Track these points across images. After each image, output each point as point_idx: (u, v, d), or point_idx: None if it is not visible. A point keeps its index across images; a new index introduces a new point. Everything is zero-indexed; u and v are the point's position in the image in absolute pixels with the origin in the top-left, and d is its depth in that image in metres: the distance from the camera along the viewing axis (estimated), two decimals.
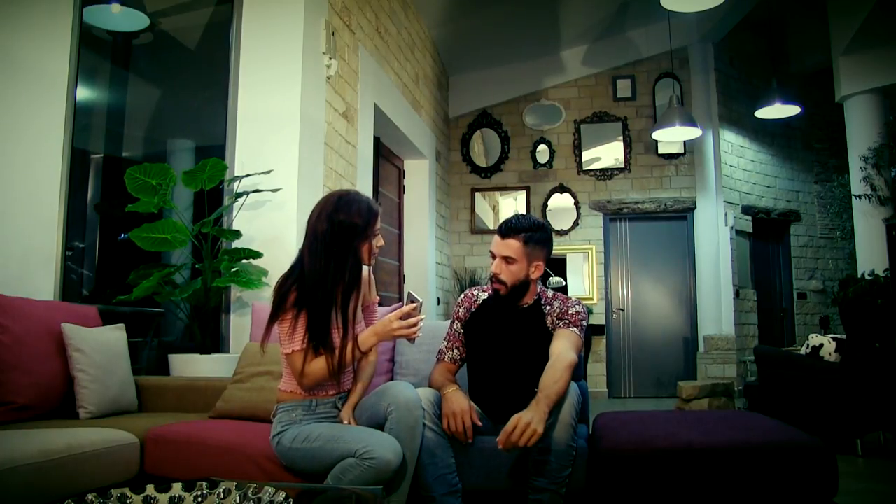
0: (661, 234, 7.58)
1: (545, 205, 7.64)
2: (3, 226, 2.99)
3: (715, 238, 7.30)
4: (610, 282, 7.54)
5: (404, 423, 1.92)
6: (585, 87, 7.77)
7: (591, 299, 7.39)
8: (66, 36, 3.25)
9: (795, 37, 8.20)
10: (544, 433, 1.87)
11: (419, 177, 6.52)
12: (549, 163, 7.71)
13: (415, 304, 1.96)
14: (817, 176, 8.45)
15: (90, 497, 1.23)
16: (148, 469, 2.16)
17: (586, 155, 7.70)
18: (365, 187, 4.65)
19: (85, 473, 1.89)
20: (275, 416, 2.05)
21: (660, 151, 7.54)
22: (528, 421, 1.79)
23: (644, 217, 7.57)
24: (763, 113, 6.77)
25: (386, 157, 5.88)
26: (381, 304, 2.34)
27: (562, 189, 7.65)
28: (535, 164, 7.74)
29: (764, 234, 8.08)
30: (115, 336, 2.76)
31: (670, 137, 6.95)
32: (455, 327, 2.31)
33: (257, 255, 3.27)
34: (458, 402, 2.03)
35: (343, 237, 1.99)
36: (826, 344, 4.09)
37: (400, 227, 6.29)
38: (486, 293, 2.32)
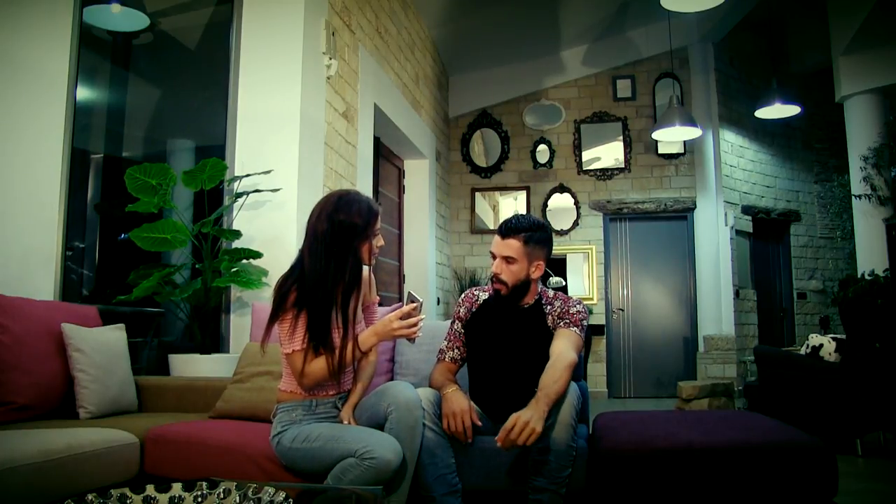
0: (661, 234, 7.58)
1: (545, 205, 7.64)
2: (3, 226, 2.99)
3: (715, 238, 7.30)
4: (610, 282, 7.54)
5: (404, 423, 1.92)
6: (585, 87, 7.77)
7: (591, 299, 7.39)
8: (66, 36, 3.25)
9: (795, 37, 8.20)
10: (544, 433, 1.87)
11: (419, 177, 6.52)
12: (549, 163, 7.71)
13: (415, 304, 1.96)
14: (817, 176, 8.45)
15: (90, 497, 1.23)
16: (148, 469, 2.16)
17: (586, 155, 7.70)
18: (365, 187, 4.65)
19: (85, 473, 1.89)
20: (275, 416, 2.05)
21: (660, 151, 7.54)
22: (526, 420, 1.79)
23: (644, 217, 7.57)
24: (763, 113, 6.77)
25: (386, 157, 5.88)
26: (381, 304, 2.34)
27: (562, 189, 7.65)
28: (535, 164, 7.74)
29: (764, 234, 8.08)
30: (115, 336, 2.76)
31: (670, 137, 6.95)
32: (456, 327, 2.31)
33: (257, 255, 3.28)
34: (458, 401, 2.03)
35: (343, 237, 1.99)
36: (826, 344, 4.09)
37: (400, 227, 6.29)
38: (487, 293, 2.32)
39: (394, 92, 5.35)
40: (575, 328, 2.14)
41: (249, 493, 1.29)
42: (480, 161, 7.88)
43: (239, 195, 3.36)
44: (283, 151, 3.56)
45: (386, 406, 1.95)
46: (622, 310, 7.55)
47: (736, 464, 1.86)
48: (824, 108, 7.75)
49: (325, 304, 1.98)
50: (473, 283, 7.44)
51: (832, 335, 4.22)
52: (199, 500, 1.30)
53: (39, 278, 3.07)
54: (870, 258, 6.20)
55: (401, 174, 6.36)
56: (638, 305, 7.56)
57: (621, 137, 7.63)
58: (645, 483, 1.91)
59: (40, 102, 3.17)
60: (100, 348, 2.59)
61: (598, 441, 2.05)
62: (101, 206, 4.24)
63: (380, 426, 1.95)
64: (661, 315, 7.53)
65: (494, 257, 2.19)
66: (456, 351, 2.29)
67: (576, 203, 7.61)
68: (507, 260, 2.16)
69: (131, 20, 4.28)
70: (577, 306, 2.20)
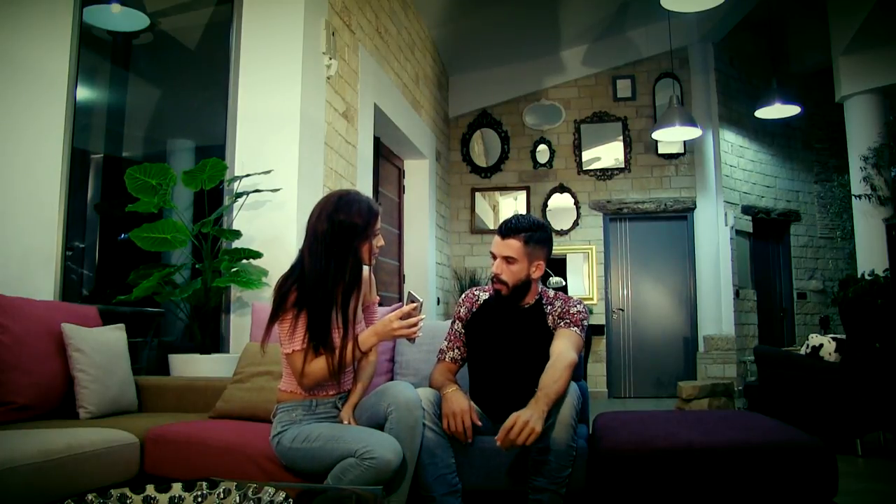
0: (661, 234, 7.58)
1: (545, 205, 7.64)
2: (3, 226, 2.99)
3: (715, 238, 7.30)
4: (610, 282, 7.54)
5: (404, 423, 1.92)
6: (585, 87, 7.77)
7: (591, 299, 7.39)
8: (66, 36, 3.25)
9: (795, 37, 8.20)
10: (544, 433, 1.87)
11: (419, 177, 6.52)
12: (549, 163, 7.71)
13: (415, 304, 1.96)
14: (817, 176, 8.45)
15: (90, 497, 1.23)
16: (148, 469, 2.16)
17: (586, 155, 7.70)
18: (365, 187, 4.65)
19: (85, 473, 1.89)
20: (275, 416, 2.05)
21: (660, 151, 7.54)
22: (526, 419, 1.79)
23: (644, 217, 7.57)
24: (763, 113, 6.77)
25: (386, 157, 5.88)
26: (381, 304, 2.34)
27: (562, 189, 7.65)
28: (535, 164, 7.74)
29: (764, 234, 8.08)
30: (115, 336, 2.76)
31: (670, 137, 6.95)
32: (456, 327, 2.31)
33: (257, 255, 3.28)
34: (458, 401, 2.03)
35: (343, 237, 1.99)
36: (826, 344, 4.09)
37: (400, 227, 6.29)
38: (488, 293, 2.32)
39: (394, 92, 5.35)
40: (575, 328, 2.14)
41: (249, 493, 1.29)
42: (480, 161, 7.88)
43: (239, 195, 3.36)
44: (283, 151, 3.56)
45: (386, 406, 1.95)
46: (622, 310, 7.55)
47: (736, 464, 1.86)
48: (824, 108, 7.75)
49: (325, 304, 1.98)
50: (473, 283, 7.44)
51: (832, 335, 4.22)
52: (199, 500, 1.30)
53: (39, 278, 3.07)
54: (870, 258, 6.20)
55: (401, 174, 6.36)
56: (638, 305, 7.56)
57: (621, 137, 7.63)
58: (645, 483, 1.91)
59: (40, 102, 3.16)
60: (100, 348, 2.59)
61: (598, 441, 2.05)
62: (101, 206, 4.24)
63: (380, 426, 1.94)
64: (661, 315, 7.53)
65: (495, 257, 2.19)
66: (456, 351, 2.29)
67: (576, 203, 7.61)
68: (508, 260, 2.16)
69: (131, 20, 4.28)
70: (578, 306, 2.20)
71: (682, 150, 7.50)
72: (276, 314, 1.99)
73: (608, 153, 7.69)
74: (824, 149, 8.41)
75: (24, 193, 3.08)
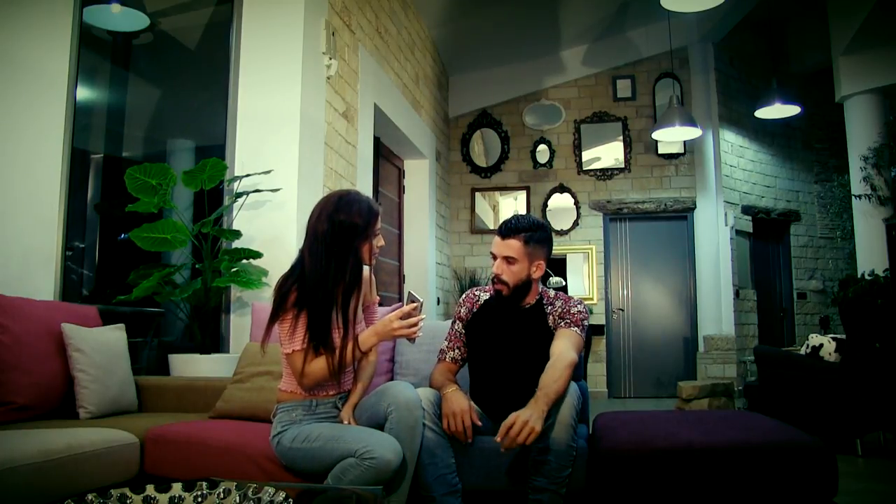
0: (661, 234, 7.58)
1: (545, 205, 7.64)
2: (3, 226, 2.99)
3: (715, 238, 7.30)
4: (610, 282, 7.54)
5: (404, 423, 1.92)
6: (585, 87, 7.77)
7: (591, 299, 7.39)
8: (66, 36, 3.25)
9: (795, 37, 8.20)
10: (544, 433, 1.87)
11: (419, 177, 6.52)
12: (549, 163, 7.71)
13: (415, 304, 1.96)
14: (817, 176, 8.45)
15: (90, 497, 1.23)
16: (148, 469, 2.16)
17: (586, 155, 7.70)
18: (365, 187, 4.65)
19: (85, 473, 1.89)
20: (275, 416, 2.05)
21: (660, 151, 7.54)
22: (526, 419, 1.79)
23: (644, 217, 7.57)
24: (763, 113, 6.77)
25: (386, 157, 5.88)
26: (381, 304, 2.34)
27: (562, 189, 7.65)
28: (535, 164, 7.74)
29: (764, 234, 8.08)
30: (115, 336, 2.76)
31: (670, 137, 6.95)
32: (457, 327, 2.32)
33: (257, 255, 3.28)
34: (458, 401, 2.03)
35: (343, 237, 1.99)
36: (826, 344, 4.09)
37: (400, 227, 6.29)
38: (488, 293, 2.32)
39: (394, 92, 5.35)
40: (576, 328, 2.15)
41: (249, 493, 1.29)
42: (480, 161, 7.88)
43: (239, 195, 3.36)
44: (283, 151, 3.56)
45: (386, 406, 1.95)
46: (622, 310, 7.55)
47: (736, 464, 1.86)
48: (824, 108, 7.75)
49: (325, 304, 1.98)
50: (473, 283, 7.44)
51: (832, 335, 4.22)
52: (199, 500, 1.30)
53: (39, 278, 3.07)
54: (870, 258, 6.20)
55: (401, 174, 6.36)
56: (638, 305, 7.56)
57: (621, 137, 7.63)
58: (645, 483, 1.91)
59: (40, 102, 3.16)
60: (100, 348, 2.59)
61: (598, 441, 2.05)
62: (101, 206, 4.24)
63: (380, 426, 1.94)
64: (661, 315, 7.53)
65: (495, 258, 2.19)
66: (456, 351, 2.29)
67: (576, 203, 7.61)
68: (508, 260, 2.16)
69: (131, 20, 4.28)
70: (578, 306, 2.20)
71: (682, 150, 7.50)
72: (276, 314, 1.99)
73: (608, 153, 7.69)
74: (824, 149, 8.41)
75: (24, 193, 3.08)
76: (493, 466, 2.07)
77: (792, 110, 6.62)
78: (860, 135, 6.51)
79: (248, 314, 3.33)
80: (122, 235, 3.73)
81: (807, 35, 7.92)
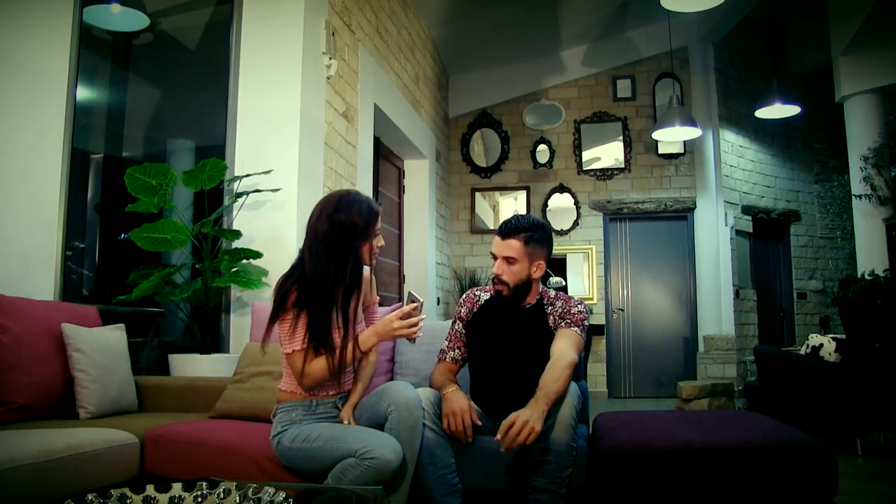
0: (661, 234, 7.58)
1: (545, 205, 7.64)
2: (3, 226, 2.99)
3: (715, 238, 7.30)
4: (610, 282, 7.54)
5: (404, 423, 1.92)
6: (585, 87, 7.77)
7: (591, 299, 7.39)
8: (66, 36, 3.25)
9: (795, 37, 8.20)
10: (544, 433, 1.87)
11: (419, 177, 6.52)
12: (549, 163, 7.71)
13: (415, 304, 1.96)
14: (817, 176, 8.45)
15: (90, 497, 1.23)
16: (148, 469, 2.16)
17: (586, 155, 7.70)
18: (365, 187, 4.65)
19: (85, 473, 1.89)
20: (275, 416, 2.05)
21: (660, 151, 7.54)
22: (526, 419, 1.80)
23: (644, 217, 7.57)
24: (763, 113, 6.78)
25: (386, 157, 5.88)
26: (381, 304, 2.34)
27: (562, 189, 7.65)
28: (535, 164, 7.74)
29: (764, 234, 8.08)
30: (115, 336, 2.76)
31: (670, 137, 6.95)
32: (457, 327, 2.32)
33: (257, 255, 3.28)
34: (458, 401, 2.03)
35: (344, 237, 1.99)
36: (826, 344, 4.09)
37: (400, 227, 6.29)
38: (489, 293, 2.32)
39: (394, 92, 5.35)
40: (576, 328, 2.15)
41: (249, 493, 1.29)
42: (480, 161, 7.88)
43: (239, 195, 3.36)
44: (283, 151, 3.56)
45: (386, 406, 1.95)
46: (622, 310, 7.55)
47: (736, 464, 1.86)
48: (824, 108, 7.75)
49: (325, 305, 1.98)
50: (473, 283, 7.44)
51: (832, 335, 4.22)
52: (199, 500, 1.30)
53: (39, 278, 3.07)
54: (870, 258, 6.20)
55: (401, 174, 6.36)
56: (638, 305, 7.56)
57: (621, 137, 7.63)
58: (645, 483, 1.91)
59: (40, 102, 3.16)
60: (100, 348, 2.59)
61: (598, 441, 2.05)
62: (101, 206, 4.24)
63: (380, 426, 1.94)
64: (661, 315, 7.53)
65: (495, 258, 2.19)
66: (457, 351, 2.29)
67: (576, 203, 7.61)
68: (508, 260, 2.16)
69: (131, 20, 4.28)
70: (579, 306, 2.20)
71: (682, 150, 7.50)
72: (276, 314, 1.99)
73: (608, 153, 7.69)
74: (824, 149, 8.41)
75: (24, 193, 3.08)
76: (493, 466, 2.07)
77: (792, 110, 6.62)
78: (860, 135, 6.51)
79: (248, 314, 3.33)
80: (122, 235, 3.73)
81: (807, 35, 7.92)
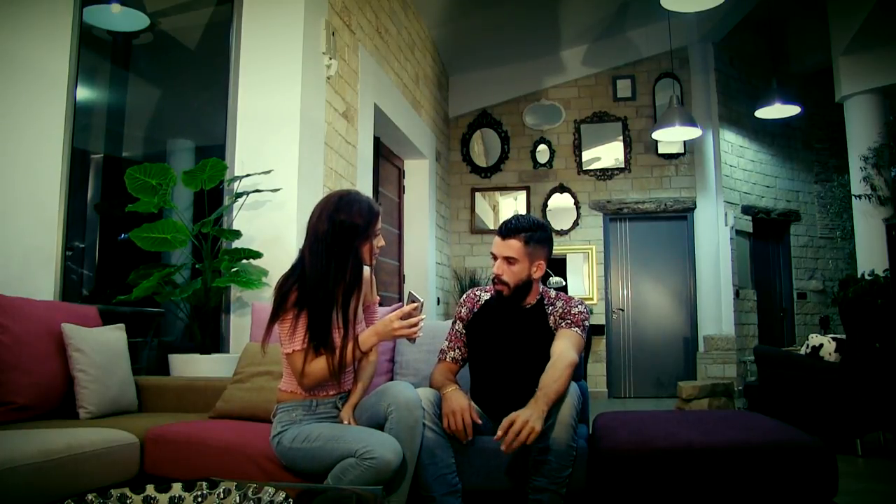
0: (661, 234, 7.58)
1: (545, 205, 7.64)
2: (3, 226, 2.99)
3: (715, 238, 7.30)
4: (610, 282, 7.54)
5: (404, 423, 1.92)
6: (585, 87, 7.77)
7: (591, 299, 7.39)
8: (66, 36, 3.25)
9: (795, 37, 8.20)
10: (544, 433, 1.87)
11: (419, 177, 6.52)
12: (549, 163, 7.71)
13: (415, 304, 1.96)
14: (817, 176, 8.45)
15: (90, 497, 1.23)
16: (148, 469, 2.16)
17: (586, 155, 7.70)
18: (365, 187, 4.65)
19: (85, 473, 1.89)
20: (275, 416, 2.05)
21: (660, 151, 7.54)
22: (526, 419, 1.80)
23: (644, 217, 7.57)
24: (763, 113, 6.78)
25: (386, 157, 5.88)
26: (381, 304, 2.34)
27: (562, 189, 7.65)
28: (535, 164, 7.74)
29: (764, 234, 8.08)
30: (115, 336, 2.76)
31: (670, 137, 6.95)
32: (457, 327, 2.31)
33: (257, 255, 3.28)
34: (458, 400, 2.03)
35: (344, 237, 1.99)
36: (826, 344, 4.09)
37: (400, 227, 6.29)
38: (489, 293, 2.32)
39: (394, 92, 5.35)
40: (576, 328, 2.15)
41: (249, 493, 1.29)
42: (480, 161, 7.88)
43: (239, 195, 3.36)
44: (283, 151, 3.56)
45: (386, 406, 1.95)
46: (622, 310, 7.55)
47: (736, 464, 1.86)
48: (824, 108, 7.75)
49: (325, 305, 1.98)
50: (473, 283, 7.44)
51: (832, 335, 4.22)
52: (199, 500, 1.30)
53: (39, 278, 3.07)
54: (870, 258, 6.20)
55: (401, 174, 6.36)
56: (638, 305, 7.56)
57: (621, 137, 7.63)
58: (645, 483, 1.91)
59: (40, 102, 3.17)
60: (100, 348, 2.59)
61: (598, 441, 2.05)
62: (101, 206, 4.24)
63: (380, 426, 1.94)
64: (661, 315, 7.53)
65: (495, 258, 2.19)
66: (457, 351, 2.29)
67: (576, 203, 7.61)
68: (509, 260, 2.16)
69: (131, 20, 4.28)
70: (579, 307, 2.20)
71: (682, 150, 7.50)
72: (276, 314, 1.99)
73: (608, 153, 7.69)
74: (824, 149, 8.41)
75: (24, 193, 3.08)
76: (493, 466, 2.07)
77: (792, 110, 6.62)
78: (860, 135, 6.51)
79: (248, 314, 3.33)
80: (122, 235, 3.73)
81: (807, 35, 7.92)
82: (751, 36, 8.04)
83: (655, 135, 6.54)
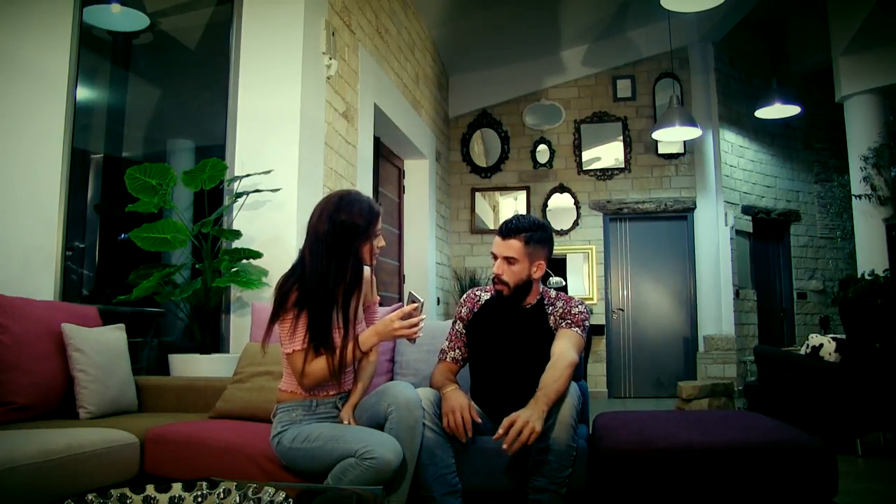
0: (661, 234, 7.58)
1: (545, 205, 7.64)
2: (3, 226, 2.99)
3: (715, 238, 7.30)
4: (610, 282, 7.54)
5: (404, 423, 1.92)
6: (585, 87, 7.77)
7: (591, 299, 7.39)
8: (66, 36, 3.25)
9: (795, 37, 8.20)
10: (544, 433, 1.87)
11: (419, 177, 6.52)
12: (549, 163, 7.71)
13: (416, 304, 1.96)
14: (817, 176, 8.45)
15: (90, 497, 1.23)
16: (148, 469, 2.16)
17: (586, 155, 7.70)
18: (365, 187, 4.65)
19: (85, 473, 1.89)
20: (275, 416, 2.05)
21: (660, 151, 7.54)
22: (526, 419, 1.80)
23: (644, 217, 7.57)
24: (763, 113, 6.78)
25: (386, 157, 5.88)
26: (381, 304, 2.34)
27: (562, 189, 7.65)
28: (535, 164, 7.74)
29: (764, 234, 8.08)
30: (115, 336, 2.76)
31: (670, 137, 6.95)
32: (457, 327, 2.32)
33: (257, 255, 3.28)
34: (457, 398, 2.03)
35: (344, 237, 1.99)
36: (826, 344, 4.09)
37: (400, 227, 6.29)
38: (489, 293, 2.32)
39: (394, 92, 5.35)
40: (577, 328, 2.15)
41: (249, 493, 1.29)
42: (480, 161, 7.88)
43: (239, 195, 3.36)
44: (283, 151, 3.56)
45: (386, 406, 1.95)
46: (622, 310, 7.55)
47: (736, 464, 1.86)
48: (824, 108, 7.75)
49: (326, 305, 1.98)
50: (473, 283, 7.44)
51: (832, 335, 4.22)
52: (199, 500, 1.30)
53: (39, 278, 3.07)
54: (870, 258, 6.20)
55: (401, 174, 6.36)
56: (638, 305, 7.56)
57: (621, 137, 7.63)
58: (645, 483, 1.91)
59: (40, 102, 3.17)
60: (100, 348, 2.59)
61: (598, 441, 2.05)
62: (101, 206, 4.24)
63: (380, 426, 1.94)
64: (661, 315, 7.53)
65: (495, 258, 2.19)
66: (457, 351, 2.29)
67: (576, 203, 7.61)
68: (509, 260, 2.16)
69: (131, 20, 4.28)
70: (580, 307, 2.20)
71: (682, 150, 7.50)
72: (276, 314, 1.99)
73: (608, 153, 7.69)
74: (824, 149, 8.41)
75: (24, 193, 3.08)
76: (493, 466, 2.07)
77: (792, 110, 6.62)
78: (860, 135, 6.51)
79: (248, 314, 3.33)
80: (122, 235, 3.73)
81: (807, 35, 7.93)
82: (751, 36, 8.04)
83: (655, 135, 6.54)
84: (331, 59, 3.93)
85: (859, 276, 5.11)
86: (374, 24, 4.87)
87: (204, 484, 1.33)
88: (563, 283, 7.08)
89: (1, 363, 2.33)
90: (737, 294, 7.29)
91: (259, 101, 3.63)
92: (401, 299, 5.90)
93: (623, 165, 7.59)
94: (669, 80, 7.45)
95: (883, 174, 6.30)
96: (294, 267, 2.04)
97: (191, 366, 3.12)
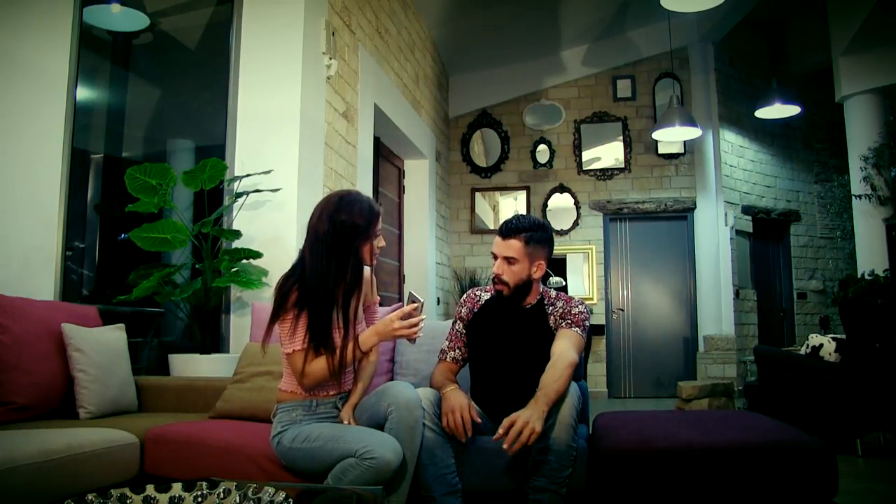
0: (661, 234, 7.58)
1: (545, 205, 7.64)
2: (3, 226, 2.99)
3: (715, 238, 7.30)
4: (610, 282, 7.54)
5: (404, 423, 1.92)
6: (585, 87, 7.77)
7: (591, 299, 7.39)
8: (66, 36, 3.25)
9: (795, 37, 8.20)
10: (544, 433, 1.87)
11: (419, 177, 6.52)
12: (549, 163, 7.71)
13: (416, 304, 1.96)
14: (817, 176, 8.45)
15: (90, 497, 1.23)
16: (148, 469, 2.16)
17: (586, 155, 7.70)
18: (365, 187, 4.65)
19: (85, 473, 1.89)
20: (275, 416, 2.05)
21: (660, 151, 7.54)
22: (526, 419, 1.80)
23: (644, 217, 7.57)
24: (763, 113, 6.78)
25: (386, 157, 5.88)
26: (381, 304, 2.34)
27: (562, 189, 7.65)
28: (535, 164, 7.74)
29: (764, 234, 8.08)
30: (115, 336, 2.76)
31: (670, 137, 6.95)
32: (457, 327, 2.32)
33: (257, 255, 3.28)
34: (457, 398, 2.03)
35: (344, 238, 1.99)
36: (826, 344, 4.09)
37: (400, 227, 6.29)
38: (489, 293, 2.32)
39: (394, 92, 5.35)
40: (577, 328, 2.15)
41: (249, 493, 1.29)
42: (480, 161, 7.88)
43: (239, 195, 3.36)
44: (283, 151, 3.56)
45: (386, 406, 1.95)
46: (622, 310, 7.55)
47: (736, 464, 1.86)
48: (824, 108, 7.75)
49: (326, 305, 1.98)
50: (473, 283, 7.44)
51: (832, 335, 4.22)
52: (199, 500, 1.30)
53: (39, 278, 3.07)
54: (870, 258, 6.20)
55: (401, 174, 6.36)
56: (638, 305, 7.56)
57: (621, 137, 7.63)
58: (645, 483, 1.91)
59: (40, 102, 3.16)
60: (100, 348, 2.59)
61: (598, 441, 2.05)
62: (101, 206, 4.24)
63: (380, 426, 1.94)
64: (661, 315, 7.53)
65: (496, 258, 2.19)
66: (457, 351, 2.29)
67: (576, 203, 7.61)
68: (509, 260, 2.16)
69: (131, 20, 4.28)
70: (580, 307, 2.20)
71: (682, 150, 7.50)
72: (276, 314, 1.99)
73: (608, 153, 7.69)
74: (824, 149, 8.41)
75: (24, 193, 3.08)
76: (493, 466, 2.07)
77: (792, 110, 6.62)
78: (860, 135, 6.51)
79: (248, 314, 3.33)
80: (122, 235, 3.73)
81: (807, 35, 7.93)
82: (751, 36, 8.04)
83: (655, 135, 6.54)
84: (331, 59, 3.93)
85: (859, 276, 5.11)
86: (374, 24, 4.87)
87: (204, 484, 1.33)
88: (563, 283, 7.08)
89: (1, 363, 2.33)
90: (737, 294, 7.29)
91: (259, 101, 3.63)
92: (401, 299, 5.90)
93: (623, 165, 7.59)
94: (669, 80, 7.45)
95: (883, 174, 6.30)
96: (294, 267, 2.04)
97: (191, 366, 3.12)
